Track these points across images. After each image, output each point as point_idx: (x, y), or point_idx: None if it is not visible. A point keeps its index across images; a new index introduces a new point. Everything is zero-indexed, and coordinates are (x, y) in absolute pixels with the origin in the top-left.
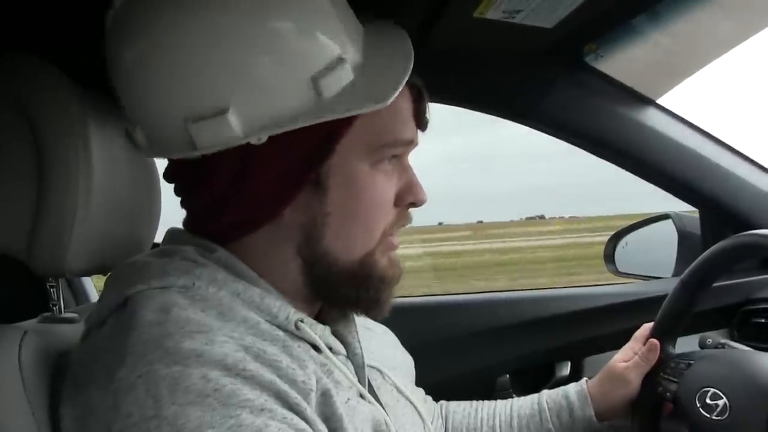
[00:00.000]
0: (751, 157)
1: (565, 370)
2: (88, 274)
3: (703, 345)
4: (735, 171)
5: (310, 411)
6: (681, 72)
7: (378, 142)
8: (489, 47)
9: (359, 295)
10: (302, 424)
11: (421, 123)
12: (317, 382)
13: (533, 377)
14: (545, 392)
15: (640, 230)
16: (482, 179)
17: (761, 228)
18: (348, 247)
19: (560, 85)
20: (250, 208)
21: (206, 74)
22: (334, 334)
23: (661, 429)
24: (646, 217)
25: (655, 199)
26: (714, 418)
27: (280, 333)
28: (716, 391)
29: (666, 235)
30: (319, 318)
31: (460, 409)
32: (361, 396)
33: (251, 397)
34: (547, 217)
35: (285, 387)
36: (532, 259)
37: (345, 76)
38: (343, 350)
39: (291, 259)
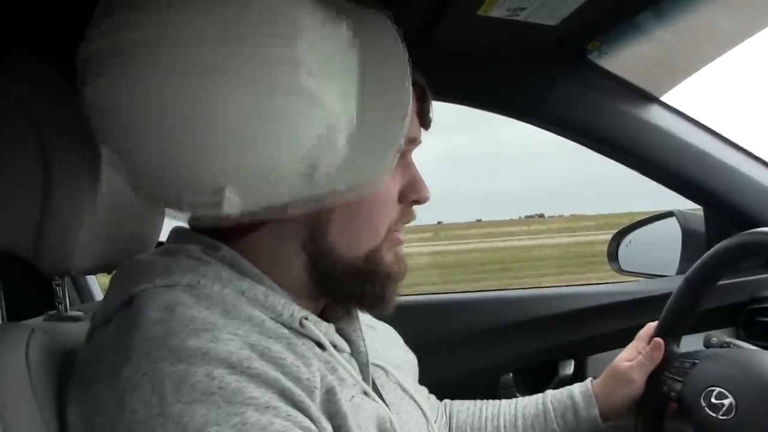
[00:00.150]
0: (756, 154)
1: (569, 368)
2: (94, 272)
3: (708, 344)
4: (740, 168)
5: (315, 408)
6: (685, 69)
7: None
8: (492, 45)
9: (364, 291)
10: (306, 422)
11: (425, 121)
12: (321, 379)
13: (537, 376)
14: (550, 392)
15: (644, 228)
16: (482, 178)
17: (766, 226)
18: (353, 243)
19: (564, 82)
20: None
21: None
22: (338, 332)
23: (665, 428)
24: (649, 215)
25: (657, 197)
26: (720, 417)
27: (285, 331)
28: (722, 390)
29: (670, 233)
30: (323, 316)
31: (464, 408)
32: (365, 394)
33: (256, 395)
34: (546, 215)
35: (289, 384)
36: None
37: (339, 152)
38: (347, 348)
39: (295, 256)
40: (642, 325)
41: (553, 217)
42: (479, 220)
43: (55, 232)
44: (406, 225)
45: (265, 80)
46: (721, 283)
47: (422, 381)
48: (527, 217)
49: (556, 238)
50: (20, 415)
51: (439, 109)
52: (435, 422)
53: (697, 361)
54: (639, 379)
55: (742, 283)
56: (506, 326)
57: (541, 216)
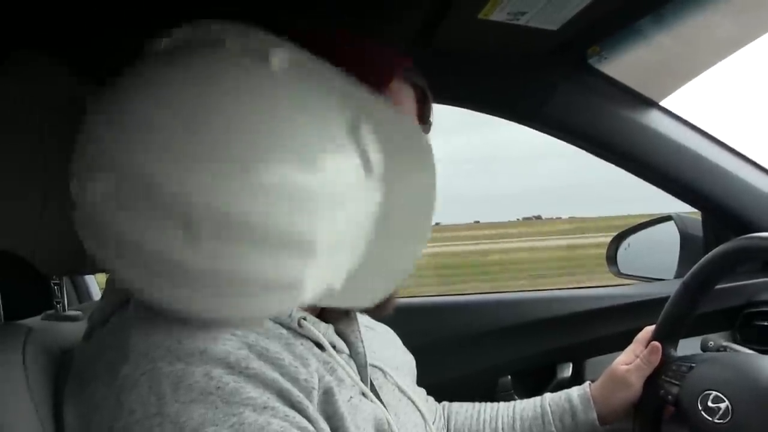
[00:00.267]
0: (754, 159)
1: (567, 371)
2: (92, 272)
3: (705, 348)
4: (737, 173)
5: (312, 409)
6: (684, 74)
7: None
8: (493, 49)
9: None
10: (304, 422)
11: (426, 124)
12: (320, 380)
13: (535, 378)
14: (548, 395)
15: (643, 232)
16: (480, 180)
17: (763, 230)
18: None
19: (564, 87)
20: None
21: None
22: (337, 332)
23: None
24: (648, 219)
25: (657, 201)
26: (716, 421)
27: (283, 331)
28: (718, 394)
29: (668, 237)
30: (322, 317)
31: (463, 410)
32: (363, 395)
33: (254, 395)
34: (544, 217)
35: (287, 385)
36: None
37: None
38: (345, 349)
39: None
40: (640, 329)
41: (551, 219)
42: (477, 222)
43: (53, 231)
44: None
45: None
46: (718, 286)
47: (421, 382)
48: (525, 219)
49: (555, 240)
50: (16, 415)
51: (438, 111)
52: (433, 423)
53: (693, 364)
54: (636, 383)
55: (739, 287)
56: (505, 329)
57: (539, 218)
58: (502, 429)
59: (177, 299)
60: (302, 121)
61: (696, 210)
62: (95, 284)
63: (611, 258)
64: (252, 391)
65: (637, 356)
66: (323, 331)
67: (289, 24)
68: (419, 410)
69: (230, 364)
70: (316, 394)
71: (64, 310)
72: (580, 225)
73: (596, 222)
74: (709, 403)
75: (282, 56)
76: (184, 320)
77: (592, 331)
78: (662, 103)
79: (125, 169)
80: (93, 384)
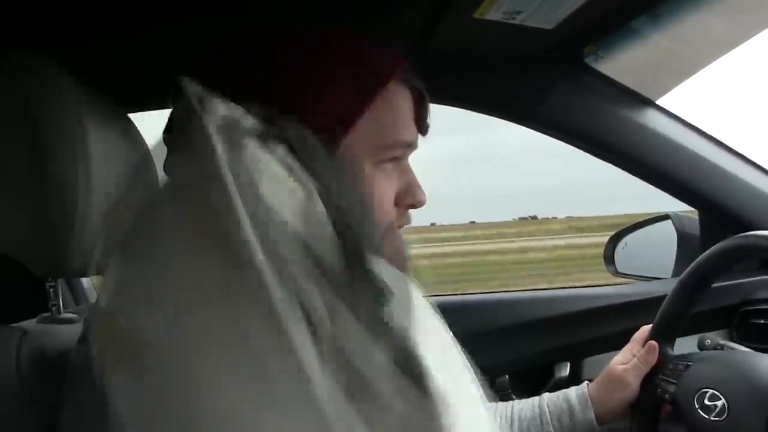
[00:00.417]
0: (750, 158)
1: (565, 370)
2: (88, 274)
3: (701, 346)
4: (734, 172)
5: None
6: (681, 73)
7: (379, 142)
8: (489, 48)
9: None
10: None
11: (422, 127)
12: None
13: (533, 378)
14: (546, 395)
15: (640, 231)
16: (476, 180)
17: (760, 229)
18: None
19: (560, 86)
20: None
21: None
22: None
23: (660, 431)
24: (645, 218)
25: (654, 199)
26: (712, 419)
27: None
28: (715, 392)
29: (665, 236)
30: None
31: None
32: None
33: None
34: (540, 217)
35: None
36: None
37: None
38: None
39: None
40: (637, 328)
41: (547, 219)
42: (473, 222)
43: (49, 233)
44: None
45: None
46: (714, 285)
47: None
48: (521, 219)
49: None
50: (10, 419)
51: (434, 111)
52: None
53: (690, 363)
54: (634, 382)
55: (736, 285)
56: (502, 328)
57: (534, 218)
58: (500, 429)
59: None
60: None
61: (693, 209)
62: (91, 287)
63: (609, 257)
64: None
65: (634, 355)
66: None
67: (288, 24)
68: None
69: None
70: None
71: (59, 312)
72: (577, 224)
73: (593, 221)
74: (706, 401)
75: None
76: None
77: (589, 331)
78: (659, 102)
79: None
80: (89, 386)
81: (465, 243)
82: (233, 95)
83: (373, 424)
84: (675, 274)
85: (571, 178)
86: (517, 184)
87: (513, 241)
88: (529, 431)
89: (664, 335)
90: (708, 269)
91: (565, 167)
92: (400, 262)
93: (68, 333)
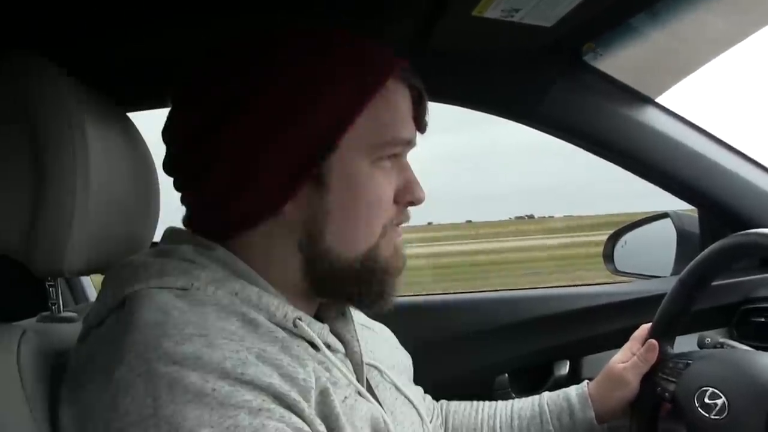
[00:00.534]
0: (750, 155)
1: (564, 369)
2: (87, 273)
3: (701, 344)
4: (733, 170)
5: (309, 410)
6: (680, 71)
7: (378, 140)
8: (488, 46)
9: (362, 291)
10: (300, 423)
11: (421, 125)
12: (317, 380)
13: (532, 376)
14: (546, 394)
15: (639, 229)
16: (474, 178)
17: (760, 227)
18: (349, 244)
19: (559, 84)
20: (251, 201)
21: None
22: (333, 332)
23: (659, 429)
24: (644, 216)
25: (654, 197)
26: (712, 417)
27: (280, 331)
28: (715, 390)
29: (665, 234)
30: (317, 316)
31: (461, 409)
32: (360, 394)
33: (249, 398)
34: (536, 216)
35: (284, 387)
36: None
37: None
38: (341, 348)
39: (291, 256)
40: (637, 326)
41: (544, 217)
42: (470, 221)
43: (48, 232)
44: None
45: None
46: (714, 283)
47: (418, 381)
48: (517, 218)
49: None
50: (11, 417)
51: (432, 109)
52: (430, 422)
53: (690, 361)
54: (633, 381)
55: (736, 283)
56: (502, 327)
57: (531, 217)
58: (500, 428)
59: None
60: None
61: (693, 207)
62: (91, 285)
63: (608, 255)
64: (247, 394)
65: (634, 354)
66: (318, 331)
67: (288, 24)
68: (416, 409)
69: (226, 370)
70: (313, 394)
71: (59, 311)
72: (574, 223)
73: (592, 220)
74: (706, 400)
75: None
76: (180, 323)
77: (589, 329)
78: (658, 100)
79: None
80: (88, 385)
81: (462, 242)
82: (233, 95)
83: None
84: (674, 272)
85: (570, 177)
86: (514, 182)
87: (508, 240)
88: (529, 430)
89: (663, 333)
90: (708, 267)
91: (563, 166)
92: (398, 260)
93: (68, 331)
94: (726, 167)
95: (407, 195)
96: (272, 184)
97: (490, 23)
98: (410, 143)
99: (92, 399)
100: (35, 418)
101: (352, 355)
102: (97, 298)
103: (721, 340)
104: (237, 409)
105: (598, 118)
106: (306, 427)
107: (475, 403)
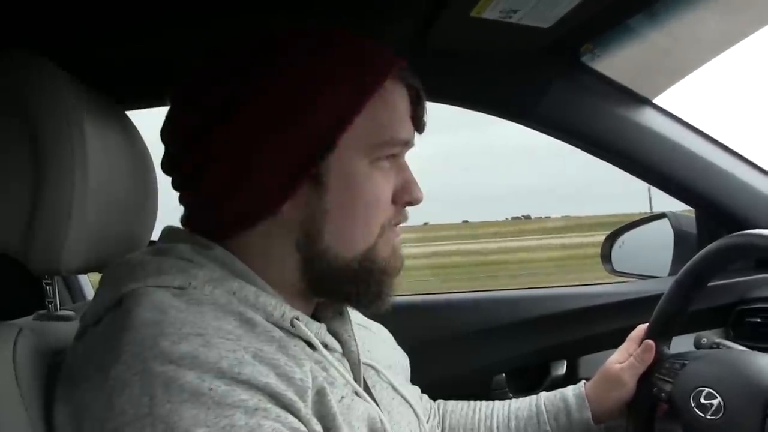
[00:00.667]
0: (747, 157)
1: (561, 369)
2: (85, 271)
3: (698, 345)
4: (731, 171)
5: (305, 410)
6: (677, 72)
7: (376, 140)
8: (486, 47)
9: (360, 290)
10: (296, 423)
11: (419, 125)
12: (313, 380)
13: (529, 376)
14: (543, 394)
15: (637, 229)
16: (470, 179)
17: (756, 228)
18: (347, 244)
19: (557, 84)
20: (250, 201)
21: None
22: (330, 331)
23: (656, 429)
24: (641, 217)
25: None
26: (708, 417)
27: (277, 331)
28: (711, 390)
29: (662, 235)
30: (315, 316)
31: (458, 408)
32: (356, 394)
33: (245, 398)
34: (533, 216)
35: (281, 387)
36: None
37: None
38: (338, 348)
39: (289, 256)
40: (634, 326)
41: (541, 218)
42: (466, 221)
43: (45, 230)
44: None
45: None
46: (711, 284)
47: (415, 381)
48: (514, 218)
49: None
50: (6, 415)
51: (430, 109)
52: (427, 422)
53: (686, 362)
54: (630, 381)
55: (732, 284)
56: (499, 327)
57: (528, 217)
58: (497, 428)
59: None
60: None
61: (690, 207)
62: (88, 284)
63: (605, 256)
64: (243, 394)
65: (631, 354)
66: (315, 330)
67: (288, 24)
68: (413, 408)
69: (222, 369)
70: (310, 394)
71: (56, 309)
72: (572, 223)
73: (590, 220)
74: (702, 400)
75: None
76: (177, 322)
77: (586, 329)
78: (655, 101)
79: None
80: (84, 384)
81: (458, 242)
82: (233, 95)
83: None
84: (671, 272)
85: (567, 178)
86: (511, 183)
87: (505, 240)
88: (526, 430)
89: (660, 334)
90: (704, 268)
91: (560, 166)
92: (396, 260)
93: (65, 330)
94: (723, 168)
95: (405, 195)
96: (272, 183)
97: (488, 24)
98: (408, 143)
99: (88, 397)
100: (31, 417)
101: (349, 355)
102: (94, 297)
103: (718, 340)
104: (233, 409)
105: (596, 119)
106: (302, 427)
107: (472, 403)
